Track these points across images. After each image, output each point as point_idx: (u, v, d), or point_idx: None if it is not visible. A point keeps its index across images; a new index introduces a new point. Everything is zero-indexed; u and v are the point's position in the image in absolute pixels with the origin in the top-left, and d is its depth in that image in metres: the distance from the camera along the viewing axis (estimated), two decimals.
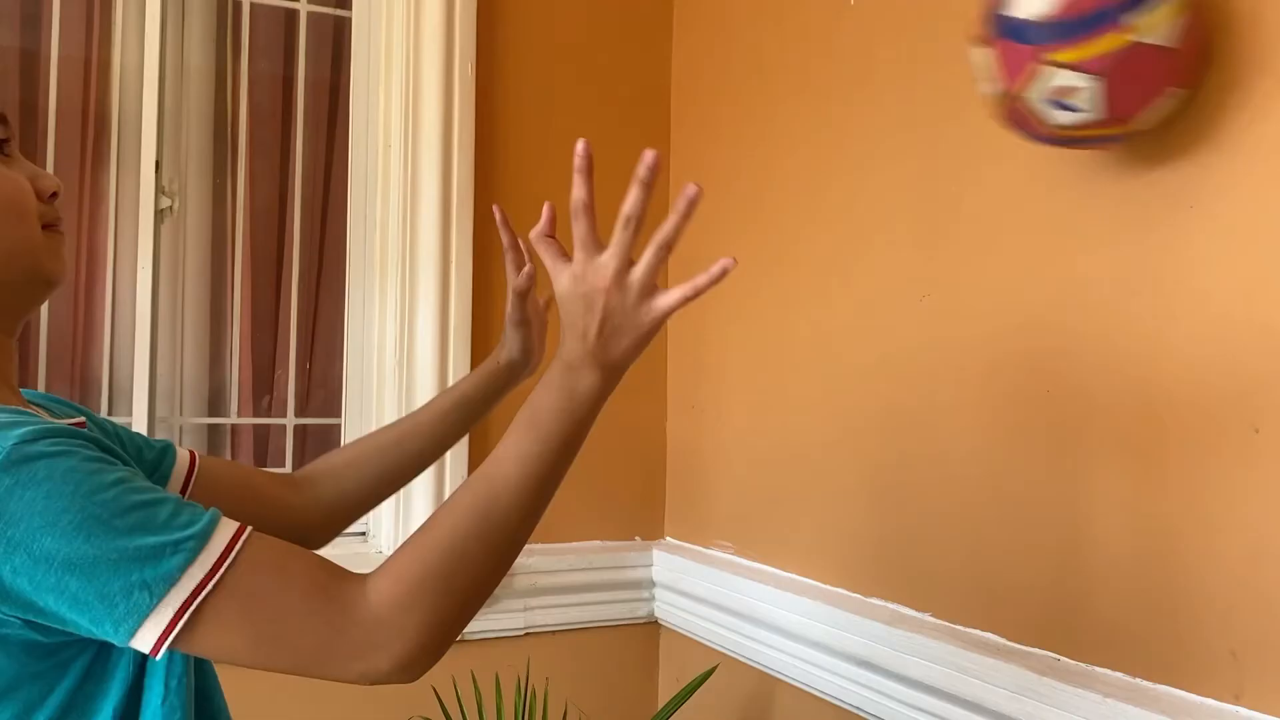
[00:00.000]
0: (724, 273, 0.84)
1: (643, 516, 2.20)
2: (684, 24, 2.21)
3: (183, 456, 1.07)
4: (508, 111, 2.08)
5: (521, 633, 2.03)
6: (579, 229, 0.87)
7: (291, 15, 2.11)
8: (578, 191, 0.86)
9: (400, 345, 1.97)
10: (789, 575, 1.78)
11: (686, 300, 0.86)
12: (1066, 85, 1.04)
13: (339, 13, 2.12)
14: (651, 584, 2.14)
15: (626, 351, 0.86)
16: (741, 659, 1.85)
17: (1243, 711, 1.06)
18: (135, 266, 1.93)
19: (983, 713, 1.31)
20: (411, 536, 0.79)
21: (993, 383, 1.39)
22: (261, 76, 2.11)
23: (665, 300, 0.86)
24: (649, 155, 0.83)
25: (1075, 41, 1.02)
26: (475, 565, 0.79)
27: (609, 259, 0.85)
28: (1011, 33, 1.07)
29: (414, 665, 0.76)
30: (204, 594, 0.71)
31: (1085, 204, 1.26)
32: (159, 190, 1.95)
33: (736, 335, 1.98)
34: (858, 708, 1.55)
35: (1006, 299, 1.37)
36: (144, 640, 0.72)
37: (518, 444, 0.83)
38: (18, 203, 0.82)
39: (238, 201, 2.08)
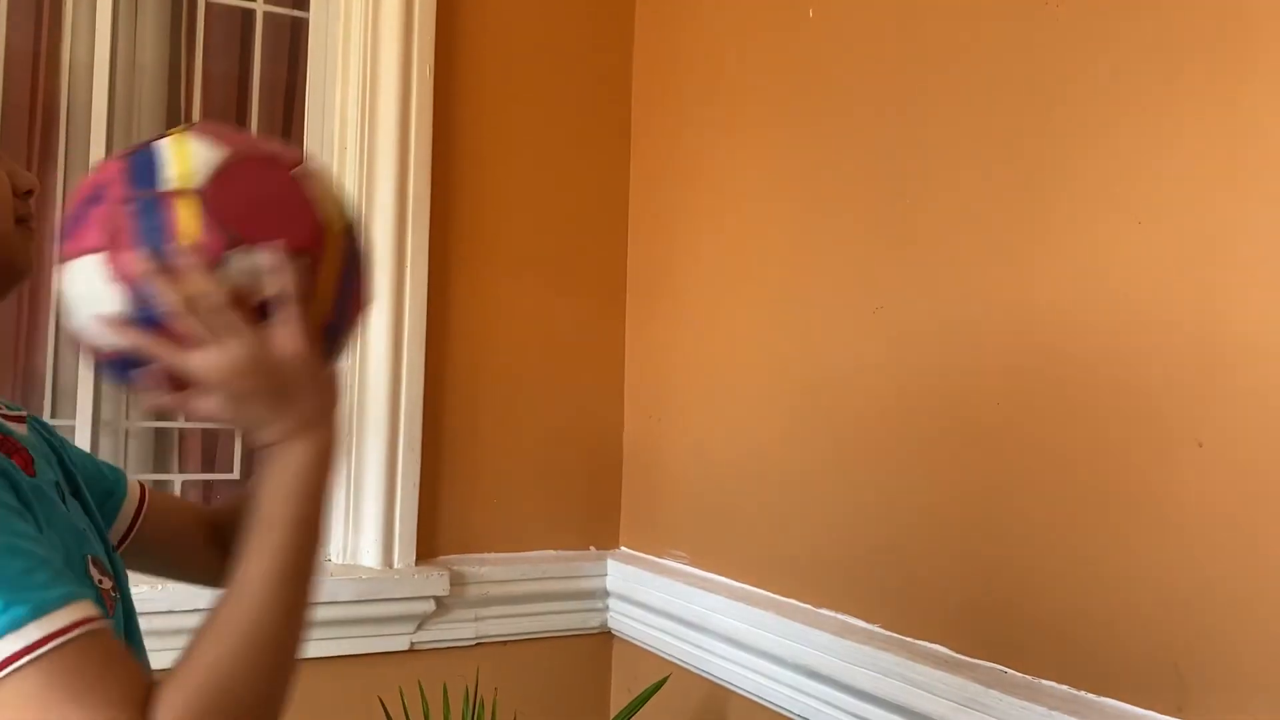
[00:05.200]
0: (304, 244, 0.74)
1: (598, 526, 2.18)
2: (645, 29, 2.21)
3: (133, 489, 1.05)
4: (466, 114, 2.06)
5: (472, 643, 2.01)
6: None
7: (248, 14, 2.08)
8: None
9: (353, 350, 1.95)
10: (742, 586, 1.77)
11: (296, 313, 0.75)
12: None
13: (296, 13, 2.10)
14: (605, 594, 2.12)
15: (304, 402, 0.76)
16: (693, 670, 1.85)
17: None
18: None
19: None
20: (176, 670, 0.72)
21: (944, 395, 1.40)
22: (216, 75, 2.08)
23: (282, 329, 0.75)
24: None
25: None
26: (256, 675, 0.72)
27: (193, 356, 0.74)
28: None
29: None
30: (10, 670, 0.65)
31: (1036, 219, 1.27)
32: None
33: (694, 345, 1.97)
34: (807, 719, 1.54)
35: (958, 312, 1.38)
36: None
37: (255, 545, 0.76)
38: None
39: None
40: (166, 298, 0.72)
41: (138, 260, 0.72)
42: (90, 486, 1.00)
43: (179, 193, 0.73)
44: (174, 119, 2.05)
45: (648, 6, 2.20)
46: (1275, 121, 1.02)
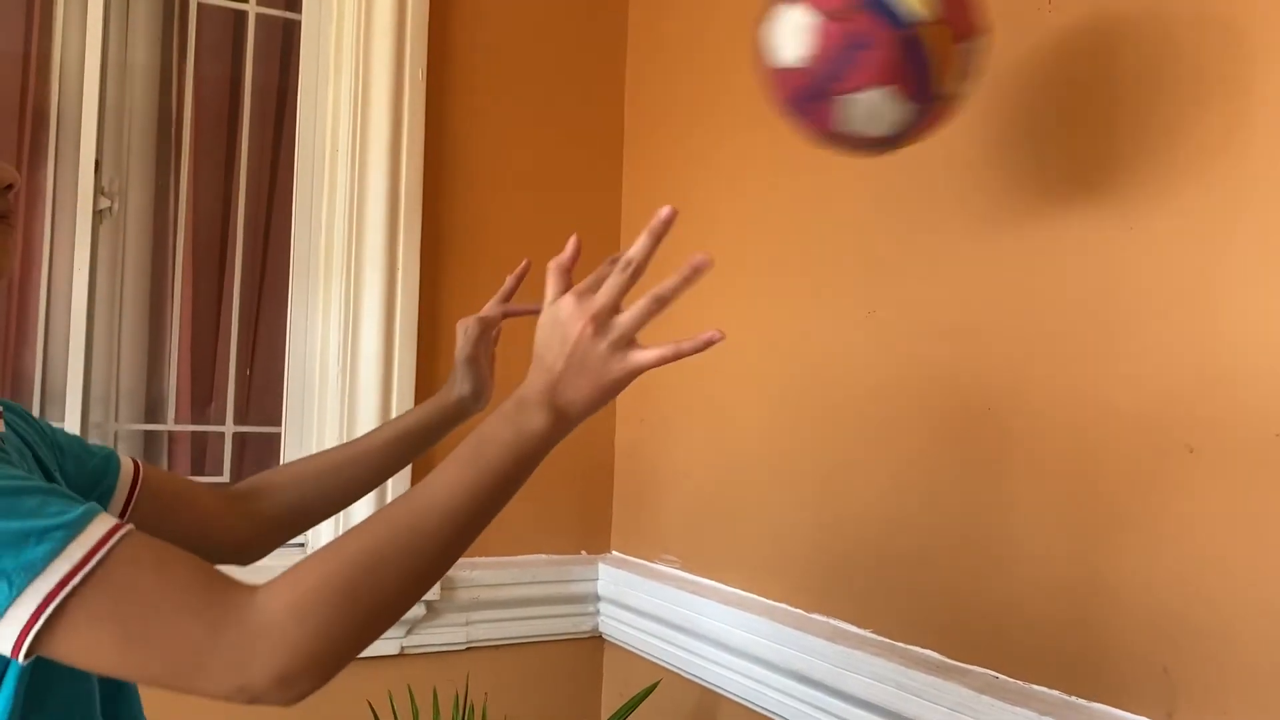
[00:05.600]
0: (708, 344, 0.84)
1: (589, 530, 2.18)
2: (638, 31, 2.21)
3: (127, 466, 1.05)
4: (458, 116, 2.06)
5: (463, 647, 2.00)
6: (600, 272, 0.87)
7: (240, 16, 2.08)
8: (635, 249, 0.85)
9: (343, 353, 1.94)
10: (733, 590, 1.77)
11: (664, 361, 0.82)
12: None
13: (288, 15, 2.09)
14: (596, 598, 2.12)
15: (584, 397, 0.82)
16: (684, 674, 1.84)
17: None
18: (71, 267, 1.88)
19: None
20: (321, 548, 0.74)
21: (936, 400, 1.40)
22: (208, 77, 2.08)
23: (640, 356, 0.82)
24: (665, 211, 0.84)
25: None
26: (382, 584, 0.73)
27: (597, 298, 0.83)
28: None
29: (296, 681, 0.69)
30: (70, 587, 0.66)
31: (1026, 227, 1.27)
32: (98, 190, 1.90)
33: None
34: None
35: (951, 317, 1.38)
36: (3, 638, 0.66)
37: (453, 470, 0.79)
38: None
39: (180, 203, 2.03)
40: (943, 90, 1.03)
41: (919, 83, 1.00)
42: (79, 470, 1.00)
43: (930, 23, 0.99)
44: (165, 121, 2.05)
45: (641, 8, 2.20)
46: (1272, 126, 1.03)
